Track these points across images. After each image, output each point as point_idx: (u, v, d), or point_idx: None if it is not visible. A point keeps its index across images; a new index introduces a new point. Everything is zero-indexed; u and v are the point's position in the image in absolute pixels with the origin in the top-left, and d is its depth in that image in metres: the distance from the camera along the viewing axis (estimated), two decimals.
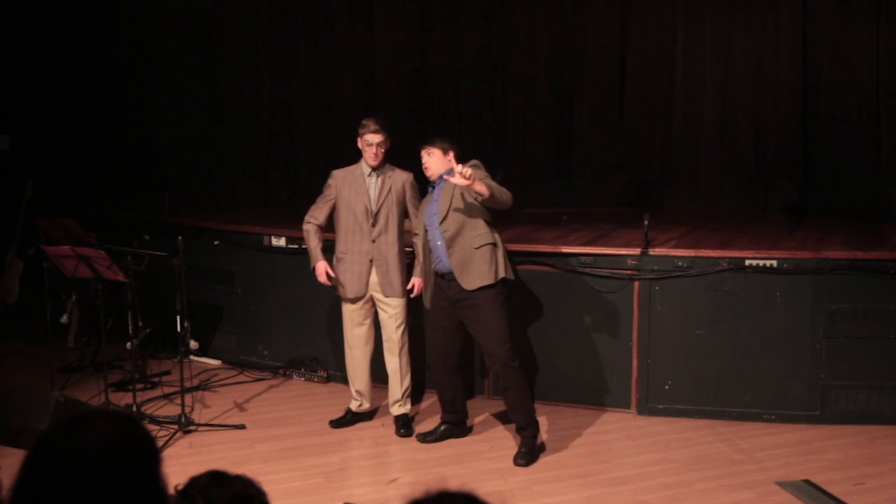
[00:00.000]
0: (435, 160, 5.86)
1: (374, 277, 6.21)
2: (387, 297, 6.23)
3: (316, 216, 6.29)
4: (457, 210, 5.74)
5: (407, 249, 6.36)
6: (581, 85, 9.39)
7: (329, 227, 6.34)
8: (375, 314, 6.35)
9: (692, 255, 6.50)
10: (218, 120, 9.91)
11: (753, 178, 8.90)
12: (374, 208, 6.13)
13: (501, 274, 5.79)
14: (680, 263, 6.48)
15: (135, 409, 6.41)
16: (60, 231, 7.44)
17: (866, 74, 8.48)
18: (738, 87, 8.87)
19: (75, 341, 7.96)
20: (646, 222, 6.56)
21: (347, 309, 6.35)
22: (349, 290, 6.24)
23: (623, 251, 6.61)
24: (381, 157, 6.12)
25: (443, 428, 6.22)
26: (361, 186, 6.15)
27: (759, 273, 6.38)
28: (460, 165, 5.43)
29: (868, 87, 8.49)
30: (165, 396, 6.96)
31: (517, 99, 9.54)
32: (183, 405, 6.39)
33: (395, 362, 6.32)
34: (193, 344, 7.61)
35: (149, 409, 6.66)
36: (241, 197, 9.54)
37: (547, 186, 9.41)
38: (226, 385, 7.37)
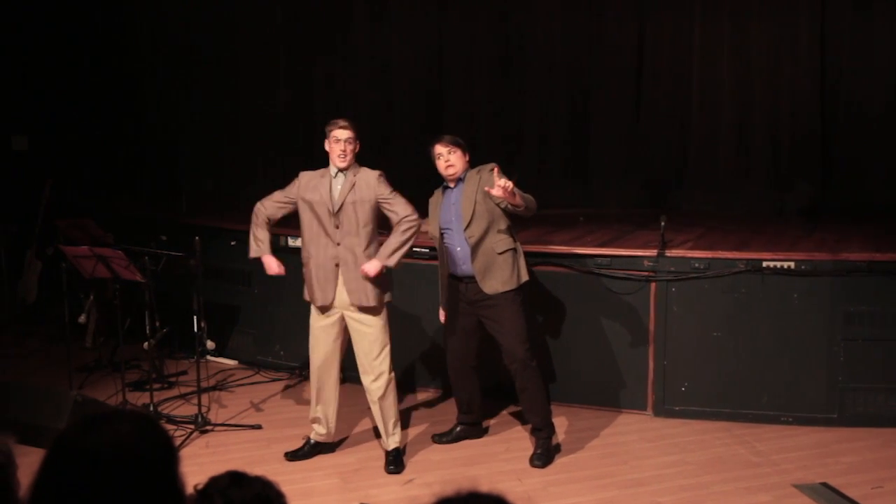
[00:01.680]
0: (458, 159, 5.79)
1: (341, 289, 5.68)
2: (360, 311, 5.69)
3: (266, 205, 5.92)
4: (481, 215, 5.69)
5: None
6: (597, 85, 9.38)
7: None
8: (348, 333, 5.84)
9: (709, 256, 6.48)
10: (235, 120, 9.95)
11: (771, 179, 8.87)
12: (336, 207, 5.62)
13: (524, 278, 5.82)
14: (697, 265, 6.46)
15: (152, 408, 6.44)
16: (79, 231, 7.49)
17: (886, 74, 8.44)
18: (755, 87, 8.85)
19: (93, 341, 8.00)
20: (662, 224, 6.54)
21: (316, 326, 5.81)
22: (316, 296, 5.73)
23: (640, 253, 6.59)
24: (349, 155, 5.63)
25: (458, 429, 6.23)
26: (325, 187, 5.67)
27: (776, 275, 6.35)
28: (503, 179, 5.37)
29: (887, 86, 8.45)
30: (182, 396, 6.99)
31: (533, 99, 9.54)
32: (199, 405, 6.41)
33: (375, 397, 5.79)
34: (210, 344, 7.61)
35: (166, 409, 6.69)
36: (259, 197, 9.55)
37: (563, 187, 9.40)
38: (242, 385, 7.39)
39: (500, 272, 5.71)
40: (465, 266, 5.78)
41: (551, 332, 6.81)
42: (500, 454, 5.99)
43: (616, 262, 6.63)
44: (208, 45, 10.07)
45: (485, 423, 6.39)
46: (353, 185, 5.66)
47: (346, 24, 9.79)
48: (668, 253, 6.53)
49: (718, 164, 9.01)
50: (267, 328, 7.75)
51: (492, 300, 5.75)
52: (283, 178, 9.58)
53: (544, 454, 5.83)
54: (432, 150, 5.85)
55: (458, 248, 5.77)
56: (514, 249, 5.78)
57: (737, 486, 5.47)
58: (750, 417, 6.44)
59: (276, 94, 9.87)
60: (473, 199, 5.71)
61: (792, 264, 6.33)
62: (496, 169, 5.57)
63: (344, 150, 5.63)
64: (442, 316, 6.11)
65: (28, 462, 2.11)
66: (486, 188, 5.54)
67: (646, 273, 6.54)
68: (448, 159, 5.78)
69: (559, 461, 5.88)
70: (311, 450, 5.98)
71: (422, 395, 7.10)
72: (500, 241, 5.73)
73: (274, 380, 7.50)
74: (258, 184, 9.73)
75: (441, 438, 6.19)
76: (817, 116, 8.70)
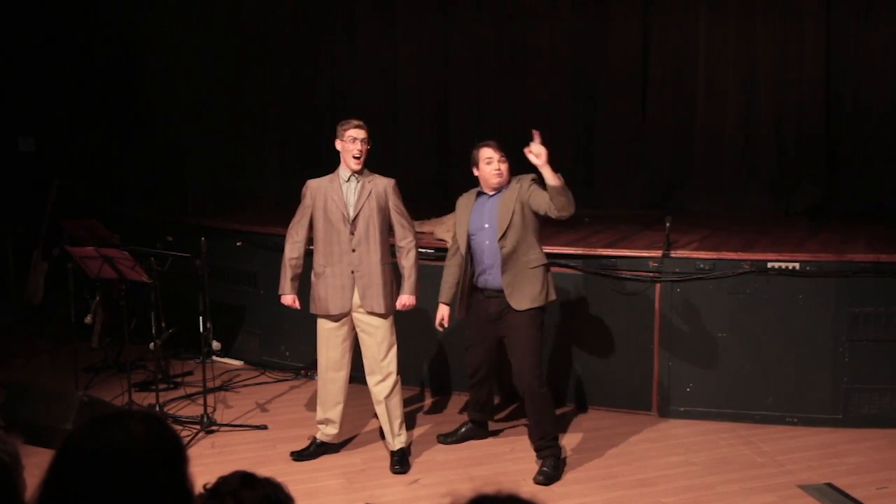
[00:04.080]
0: (507, 169, 5.61)
1: (356, 293, 5.69)
2: (369, 315, 5.71)
3: (295, 232, 5.82)
4: (517, 225, 5.49)
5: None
6: (603, 87, 9.38)
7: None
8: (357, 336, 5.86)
9: (714, 257, 6.48)
10: (241, 121, 9.96)
11: (776, 180, 8.86)
12: (352, 214, 5.59)
13: (552, 296, 5.64)
14: (702, 266, 6.46)
15: (158, 409, 6.45)
16: (85, 232, 7.51)
17: (891, 75, 8.44)
18: (760, 89, 8.84)
19: (99, 341, 8.02)
20: (667, 224, 6.54)
21: (324, 328, 5.80)
22: (332, 306, 5.70)
23: (645, 253, 6.60)
24: (364, 156, 5.61)
25: (464, 429, 6.20)
26: (338, 193, 5.63)
27: (781, 276, 6.35)
28: (539, 146, 5.23)
29: (892, 88, 8.44)
30: (188, 397, 7.01)
31: (538, 100, 9.53)
32: (205, 405, 6.43)
33: (381, 397, 5.79)
34: (216, 344, 7.63)
35: (171, 410, 6.71)
36: (265, 198, 9.58)
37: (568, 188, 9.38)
38: (248, 386, 7.41)
39: (530, 287, 5.52)
40: (492, 277, 5.58)
41: (556, 333, 6.81)
42: (506, 454, 5.99)
43: (621, 262, 6.64)
44: (215, 46, 10.09)
45: (491, 425, 6.39)
46: (370, 192, 5.65)
47: (352, 27, 9.80)
48: (674, 254, 6.53)
49: (724, 165, 9.01)
50: (273, 329, 7.76)
51: (513, 318, 5.54)
52: (287, 180, 9.70)
53: (549, 472, 5.57)
54: (478, 153, 5.65)
55: (488, 258, 5.58)
56: (546, 265, 5.62)
57: (742, 486, 5.47)
58: (755, 418, 6.44)
59: (282, 97, 9.88)
60: (512, 207, 5.50)
61: (797, 265, 6.33)
62: (536, 134, 5.29)
63: (360, 150, 5.59)
64: (440, 316, 5.87)
65: (34, 462, 2.12)
66: (527, 150, 5.27)
67: (651, 274, 6.54)
68: (499, 167, 5.58)
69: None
70: (316, 450, 5.98)
71: (427, 396, 7.11)
72: (533, 255, 5.55)
73: (279, 380, 7.51)
74: (264, 185, 9.79)
75: (447, 438, 6.17)
76: (822, 117, 8.69)
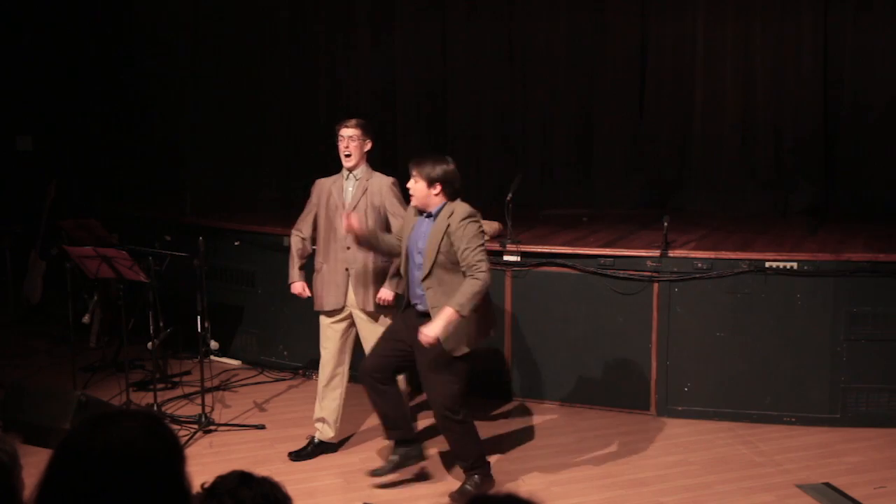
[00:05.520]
0: (419, 190, 5.16)
1: (350, 291, 5.74)
2: (365, 312, 5.76)
3: (300, 227, 5.92)
4: (441, 264, 5.08)
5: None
6: (601, 86, 9.38)
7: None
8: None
9: (712, 256, 6.49)
10: (239, 121, 9.96)
11: (774, 179, 8.86)
12: (347, 211, 5.58)
13: (485, 334, 5.32)
14: (700, 265, 6.47)
15: (155, 408, 6.45)
16: (83, 231, 7.50)
17: (889, 74, 8.43)
18: (758, 88, 8.84)
19: (97, 341, 8.02)
20: (665, 224, 6.55)
21: (323, 323, 5.89)
22: (326, 301, 5.79)
23: (643, 253, 6.60)
24: (354, 153, 5.67)
25: (397, 454, 5.46)
26: (339, 190, 5.73)
27: (779, 275, 6.35)
28: (427, 329, 4.91)
29: (890, 87, 8.44)
30: (186, 396, 7.01)
31: (537, 100, 9.53)
32: (203, 405, 6.43)
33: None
34: (214, 344, 7.65)
35: (169, 409, 6.71)
36: (262, 198, 9.57)
37: (566, 188, 9.40)
38: (246, 385, 7.41)
39: (464, 327, 5.05)
40: (420, 305, 5.21)
41: (554, 332, 6.81)
42: (504, 453, 5.99)
43: (619, 262, 6.64)
44: (213, 46, 10.08)
45: (487, 424, 6.38)
46: (366, 189, 5.71)
47: (351, 27, 9.79)
48: (672, 253, 6.53)
49: (721, 164, 9.00)
50: (270, 328, 7.77)
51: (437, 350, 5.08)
52: (285, 180, 9.70)
53: (469, 489, 5.26)
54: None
55: (417, 288, 5.20)
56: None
57: (740, 486, 5.48)
58: (753, 417, 6.45)
59: (280, 95, 9.88)
60: (438, 245, 5.07)
61: (795, 265, 6.34)
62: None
63: (347, 148, 5.69)
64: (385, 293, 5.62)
65: (32, 462, 2.12)
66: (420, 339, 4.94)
67: (649, 273, 6.55)
68: (410, 186, 5.23)
69: (562, 461, 5.88)
70: (314, 449, 5.98)
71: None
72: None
73: (277, 380, 7.51)
74: (262, 185, 9.78)
75: (379, 472, 5.47)
76: (820, 117, 8.69)
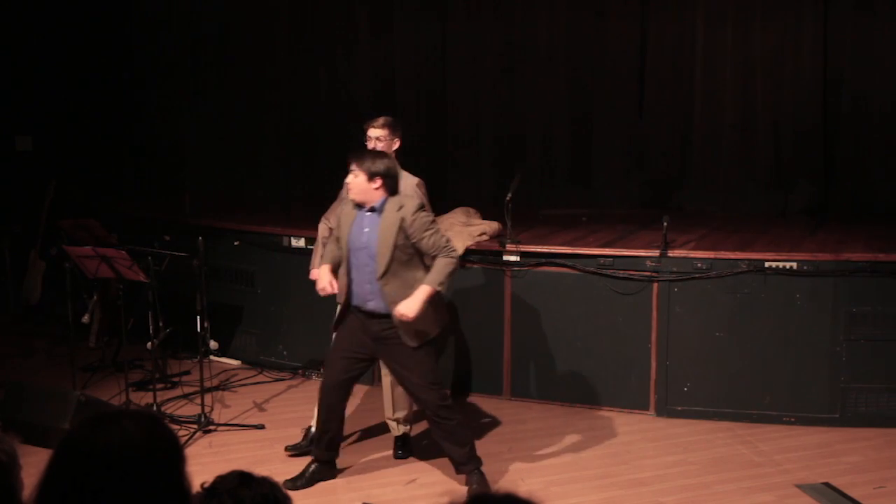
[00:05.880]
0: (358, 184, 5.11)
1: None
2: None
3: (329, 217, 5.94)
4: (399, 261, 5.06)
5: None
6: (600, 85, 9.37)
7: None
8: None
9: (712, 256, 6.49)
10: (239, 121, 9.95)
11: (773, 179, 8.86)
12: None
13: (446, 319, 5.38)
14: (699, 265, 6.47)
15: (155, 408, 6.45)
16: (82, 231, 7.49)
17: (888, 74, 8.43)
18: (757, 87, 8.84)
19: (96, 341, 8.01)
20: (665, 224, 6.54)
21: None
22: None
23: (642, 253, 6.60)
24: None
25: (312, 468, 5.52)
26: None
27: (779, 275, 6.35)
28: (404, 307, 4.97)
29: (890, 86, 8.44)
30: (185, 396, 7.00)
31: (536, 100, 9.53)
32: (203, 405, 6.42)
33: (389, 380, 5.80)
34: (213, 344, 7.64)
35: (169, 409, 6.70)
36: (262, 198, 9.57)
37: (566, 188, 9.40)
38: (245, 385, 7.40)
39: (421, 320, 5.06)
40: (373, 303, 5.15)
41: (553, 332, 6.81)
42: (503, 454, 5.99)
43: (619, 262, 6.64)
44: (213, 46, 10.08)
45: (487, 422, 6.39)
46: None
47: (350, 28, 9.78)
48: (671, 253, 6.53)
49: (721, 164, 9.00)
50: (270, 328, 7.76)
51: (401, 350, 5.15)
52: (285, 180, 9.69)
53: (479, 487, 5.26)
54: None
55: (369, 285, 5.14)
56: (438, 291, 5.11)
57: (739, 486, 5.48)
58: (752, 417, 6.45)
59: (279, 96, 9.87)
60: (393, 242, 5.05)
61: (794, 265, 6.34)
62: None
63: (374, 148, 5.69)
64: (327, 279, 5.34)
65: (32, 462, 2.12)
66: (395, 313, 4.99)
67: (648, 273, 6.55)
68: (349, 180, 5.15)
69: (562, 461, 5.88)
70: (310, 443, 5.92)
71: None
72: (420, 283, 5.06)
73: (277, 380, 7.50)
74: (261, 185, 9.78)
75: (295, 483, 5.43)
76: (820, 117, 8.69)
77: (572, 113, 9.47)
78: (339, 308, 5.46)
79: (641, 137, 9.29)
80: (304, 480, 5.47)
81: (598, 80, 9.37)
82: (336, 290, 5.35)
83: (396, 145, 5.81)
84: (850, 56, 8.59)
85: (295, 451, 5.95)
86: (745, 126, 8.91)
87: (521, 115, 9.60)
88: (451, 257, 5.08)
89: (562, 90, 9.46)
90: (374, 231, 5.10)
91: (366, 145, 5.76)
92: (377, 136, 5.75)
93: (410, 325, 5.07)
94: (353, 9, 9.77)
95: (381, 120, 5.82)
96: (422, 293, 5.00)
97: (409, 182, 5.71)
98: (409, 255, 5.10)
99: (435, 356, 5.32)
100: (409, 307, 4.98)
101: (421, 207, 5.13)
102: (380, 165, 5.10)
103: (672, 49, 9.12)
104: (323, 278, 5.36)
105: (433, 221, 5.16)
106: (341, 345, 5.37)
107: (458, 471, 5.42)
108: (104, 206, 9.13)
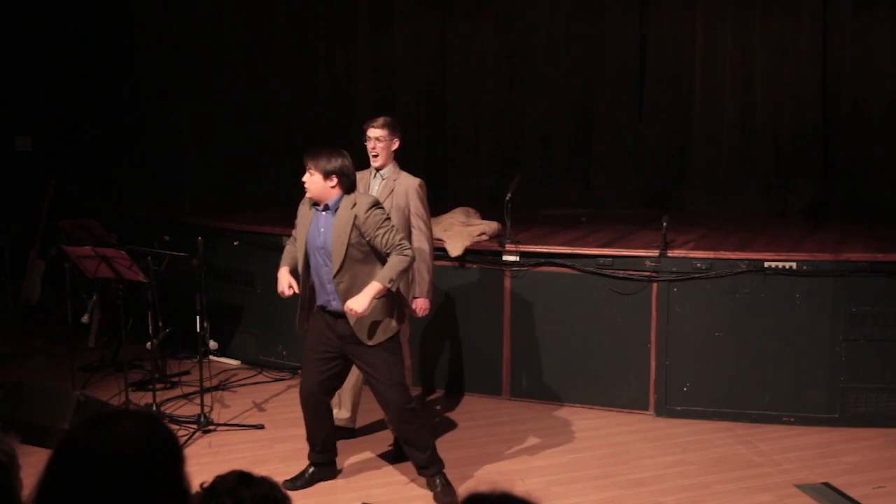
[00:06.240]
0: (314, 183, 5.09)
1: None
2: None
3: None
4: (353, 258, 5.06)
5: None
6: (600, 86, 9.38)
7: None
8: None
9: (711, 256, 6.49)
10: (239, 121, 9.95)
11: (773, 179, 8.87)
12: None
13: (405, 316, 5.40)
14: (699, 265, 6.47)
15: (154, 408, 6.45)
16: (82, 231, 7.50)
17: (887, 74, 8.44)
18: (756, 88, 8.84)
19: (96, 341, 8.01)
20: (664, 224, 6.55)
21: None
22: None
23: (642, 253, 6.60)
24: (381, 153, 5.72)
25: (311, 471, 5.56)
26: (366, 189, 5.72)
27: (778, 275, 6.36)
28: (353, 302, 4.96)
29: (889, 86, 8.45)
30: (185, 396, 7.00)
31: (536, 99, 9.53)
32: (202, 405, 6.43)
33: None
34: (213, 344, 7.64)
35: (168, 409, 6.70)
36: (262, 198, 9.57)
37: (565, 188, 9.40)
38: (245, 385, 7.40)
39: (377, 318, 5.11)
40: (336, 303, 5.16)
41: (553, 332, 6.82)
42: (503, 453, 5.99)
43: (618, 262, 6.64)
44: (212, 46, 10.08)
45: (488, 423, 6.39)
46: (392, 190, 5.72)
47: (350, 28, 9.78)
48: (671, 253, 6.54)
49: (720, 164, 9.01)
50: (270, 328, 7.76)
51: (363, 350, 5.16)
52: (285, 179, 9.68)
53: (444, 490, 5.31)
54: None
55: (329, 285, 5.15)
56: (390, 289, 5.11)
57: (738, 486, 5.48)
58: (752, 417, 6.45)
59: (280, 95, 9.88)
60: (346, 240, 5.03)
61: (794, 265, 6.34)
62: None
63: (374, 148, 5.73)
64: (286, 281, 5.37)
65: (31, 462, 2.12)
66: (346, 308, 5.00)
67: (648, 273, 6.55)
68: (305, 179, 5.14)
69: (561, 461, 5.89)
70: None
71: (429, 395, 7.11)
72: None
73: (276, 380, 7.51)
74: (261, 185, 9.77)
75: (294, 483, 5.47)
76: (819, 116, 8.70)
77: (572, 113, 9.48)
78: (297, 310, 5.43)
79: (641, 137, 9.30)
80: (303, 481, 5.50)
81: (598, 81, 9.37)
82: (298, 291, 5.34)
83: (396, 145, 5.83)
84: (850, 56, 8.60)
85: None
86: (745, 126, 8.91)
87: (521, 115, 9.61)
88: (405, 255, 5.04)
89: (562, 90, 9.46)
90: (330, 230, 5.10)
91: (366, 145, 5.78)
92: (377, 136, 5.76)
93: (363, 322, 5.08)
94: (353, 9, 9.77)
95: (380, 120, 5.82)
96: (371, 289, 4.99)
97: (410, 183, 5.75)
98: (365, 254, 5.07)
99: (399, 356, 5.28)
100: (357, 303, 4.98)
101: (375, 205, 5.08)
102: (335, 163, 5.07)
103: (672, 49, 9.13)
104: (282, 281, 5.39)
105: (387, 219, 5.12)
106: (312, 347, 5.37)
107: (420, 473, 5.44)
108: (104, 206, 9.13)
